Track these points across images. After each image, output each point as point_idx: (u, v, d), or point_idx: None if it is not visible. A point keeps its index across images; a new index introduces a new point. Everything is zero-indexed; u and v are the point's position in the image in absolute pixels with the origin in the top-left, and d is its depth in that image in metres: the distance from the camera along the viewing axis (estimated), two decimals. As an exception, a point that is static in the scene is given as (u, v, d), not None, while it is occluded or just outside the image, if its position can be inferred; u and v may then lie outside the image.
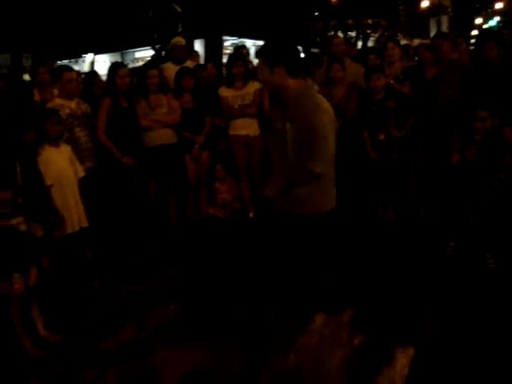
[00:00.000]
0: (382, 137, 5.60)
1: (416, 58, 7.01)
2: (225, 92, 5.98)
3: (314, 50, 18.83)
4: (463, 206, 4.66)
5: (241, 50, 6.97)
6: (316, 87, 3.18)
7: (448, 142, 4.89)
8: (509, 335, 3.43)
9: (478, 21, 35.05)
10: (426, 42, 7.51)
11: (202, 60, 8.40)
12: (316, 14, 23.13)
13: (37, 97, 5.26)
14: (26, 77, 7.31)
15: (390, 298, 4.04)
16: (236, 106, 5.91)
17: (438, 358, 3.27)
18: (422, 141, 5.68)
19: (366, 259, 4.69)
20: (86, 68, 19.07)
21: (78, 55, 19.84)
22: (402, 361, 3.26)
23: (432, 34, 24.40)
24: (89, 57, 20.51)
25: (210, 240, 5.60)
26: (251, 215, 6.05)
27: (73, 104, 5.01)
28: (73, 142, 4.78)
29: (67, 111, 4.91)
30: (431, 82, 5.51)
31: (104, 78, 6.08)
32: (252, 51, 17.23)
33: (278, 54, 3.13)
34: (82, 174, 4.58)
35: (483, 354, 3.28)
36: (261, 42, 21.06)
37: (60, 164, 4.40)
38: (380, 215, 5.73)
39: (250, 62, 6.92)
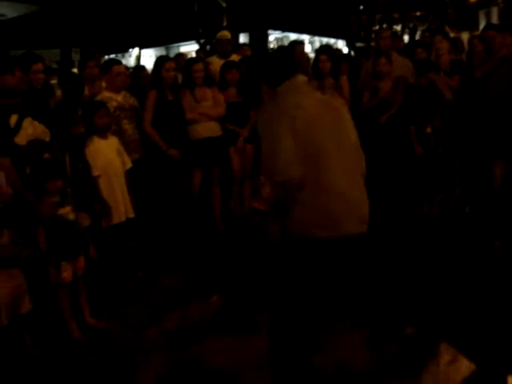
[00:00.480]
0: (429, 130, 5.50)
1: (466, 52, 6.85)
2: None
3: (359, 44, 18.56)
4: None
5: (298, 45, 6.90)
6: (303, 81, 2.83)
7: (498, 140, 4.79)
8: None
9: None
10: (477, 33, 7.32)
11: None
12: (361, 7, 22.82)
13: (86, 90, 5.37)
14: (75, 70, 7.47)
15: (435, 295, 3.97)
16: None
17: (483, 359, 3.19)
18: (469, 137, 5.55)
19: (412, 255, 4.63)
20: (132, 62, 19.34)
21: (124, 50, 20.13)
22: (446, 358, 3.21)
23: (481, 26, 23.73)
24: (135, 51, 20.79)
25: (253, 233, 5.61)
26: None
27: (120, 97, 5.10)
28: (120, 134, 4.86)
29: (115, 104, 5.00)
30: (482, 79, 5.38)
31: (150, 71, 6.16)
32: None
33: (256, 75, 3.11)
34: (129, 165, 4.66)
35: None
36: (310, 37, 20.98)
37: (108, 155, 4.48)
38: (425, 211, 5.64)
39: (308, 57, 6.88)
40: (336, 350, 3.34)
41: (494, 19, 28.27)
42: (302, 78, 2.85)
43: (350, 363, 3.24)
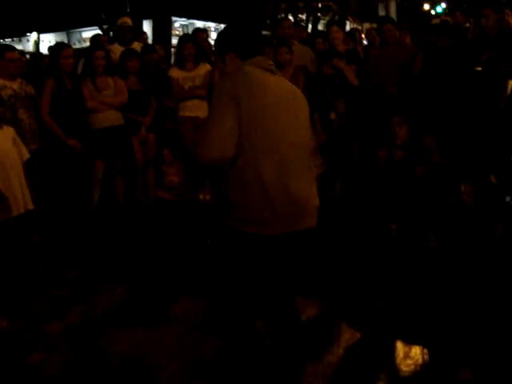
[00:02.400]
0: (333, 116, 5.70)
1: (365, 42, 7.18)
2: (175, 73, 5.96)
3: (265, 32, 18.80)
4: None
5: (201, 33, 6.88)
6: (268, 63, 2.62)
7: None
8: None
9: (426, 7, 35.72)
10: (374, 26, 7.67)
11: (150, 41, 8.27)
12: (267, -5, 23.07)
13: None
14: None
15: (337, 273, 4.16)
16: (186, 88, 5.91)
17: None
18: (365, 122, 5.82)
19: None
20: (30, 47, 18.46)
21: (21, 34, 19.15)
22: (348, 336, 3.39)
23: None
24: (33, 36, 19.84)
25: (157, 221, 5.60)
26: (201, 197, 6.09)
27: (15, 85, 4.89)
28: (16, 124, 4.68)
29: (9, 92, 4.80)
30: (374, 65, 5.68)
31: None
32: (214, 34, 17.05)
33: (226, 40, 2.71)
34: (26, 156, 4.49)
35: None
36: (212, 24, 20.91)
37: (3, 146, 4.29)
38: (328, 195, 5.85)
39: (210, 45, 6.86)
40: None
41: (392, 12, 29.59)
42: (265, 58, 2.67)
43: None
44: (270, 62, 2.67)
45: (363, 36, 7.85)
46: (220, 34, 2.78)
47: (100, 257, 4.83)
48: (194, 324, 3.59)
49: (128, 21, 6.57)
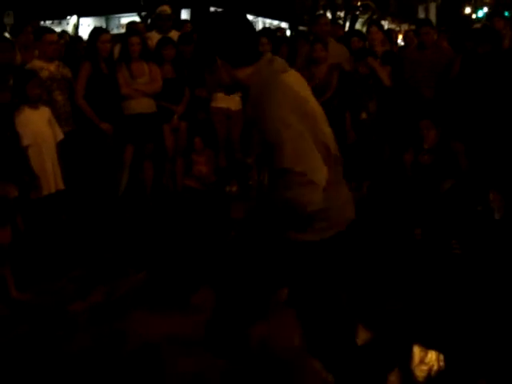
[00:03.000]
0: (364, 115, 5.67)
1: (402, 43, 7.12)
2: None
3: (302, 28, 18.72)
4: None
5: None
6: (280, 63, 2.25)
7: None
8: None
9: (467, 10, 35.13)
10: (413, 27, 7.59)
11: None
12: (306, -9, 22.98)
13: (18, 56, 5.20)
14: (7, 35, 7.20)
15: (359, 277, 4.15)
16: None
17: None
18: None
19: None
20: (69, 30, 18.71)
21: (62, 16, 19.42)
22: (364, 337, 3.38)
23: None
24: (73, 19, 20.11)
25: (183, 210, 5.65)
26: (227, 188, 6.12)
27: (52, 67, 4.99)
28: (51, 105, 4.77)
29: (46, 74, 4.90)
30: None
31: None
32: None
33: (212, 48, 2.22)
34: (60, 136, 4.59)
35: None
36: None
37: (38, 126, 4.40)
38: (355, 197, 5.82)
39: None
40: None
41: (432, 14, 29.19)
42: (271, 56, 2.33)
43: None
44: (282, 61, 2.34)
45: (400, 37, 7.77)
46: (204, 42, 2.28)
47: (124, 241, 4.90)
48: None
49: (167, 9, 6.62)
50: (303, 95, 2.25)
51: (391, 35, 7.20)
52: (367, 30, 6.48)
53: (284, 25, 22.46)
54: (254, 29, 2.37)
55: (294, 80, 2.28)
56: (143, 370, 3.08)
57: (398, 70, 5.71)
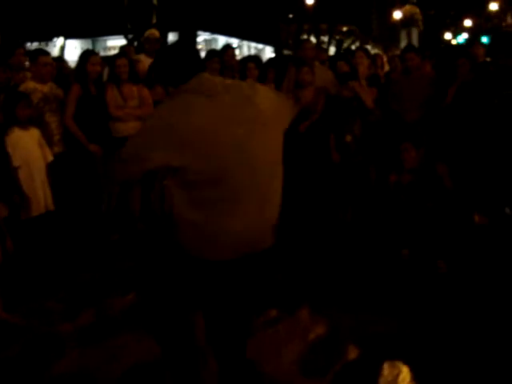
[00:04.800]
0: (349, 138, 5.76)
1: (387, 68, 7.28)
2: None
3: (287, 52, 18.99)
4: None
5: (230, 50, 6.97)
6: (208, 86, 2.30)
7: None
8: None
9: (448, 36, 35.90)
10: (397, 53, 7.76)
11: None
12: (290, 16, 23.33)
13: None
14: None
15: (349, 297, 4.19)
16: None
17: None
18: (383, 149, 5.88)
19: (326, 259, 4.85)
20: (56, 52, 18.77)
21: (48, 38, 19.49)
22: (353, 356, 3.41)
23: (402, 44, 24.92)
24: (59, 41, 20.18)
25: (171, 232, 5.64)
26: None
27: (46, 88, 5.03)
28: (43, 127, 4.80)
29: (39, 95, 4.93)
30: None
31: (73, 64, 6.08)
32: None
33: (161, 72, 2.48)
34: (50, 158, 4.61)
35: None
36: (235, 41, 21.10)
37: (28, 147, 4.43)
38: (340, 218, 5.89)
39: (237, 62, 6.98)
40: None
41: (414, 39, 29.78)
42: (207, 76, 2.37)
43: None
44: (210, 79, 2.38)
45: (385, 61, 7.93)
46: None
47: (112, 262, 4.90)
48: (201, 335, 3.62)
49: (156, 33, 6.71)
50: (214, 126, 2.21)
51: (376, 60, 7.36)
52: (353, 55, 6.61)
53: (269, 49, 22.75)
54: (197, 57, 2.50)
55: (218, 106, 2.24)
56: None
57: (382, 94, 5.84)
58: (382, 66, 7.50)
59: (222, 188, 2.23)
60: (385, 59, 7.64)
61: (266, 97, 2.40)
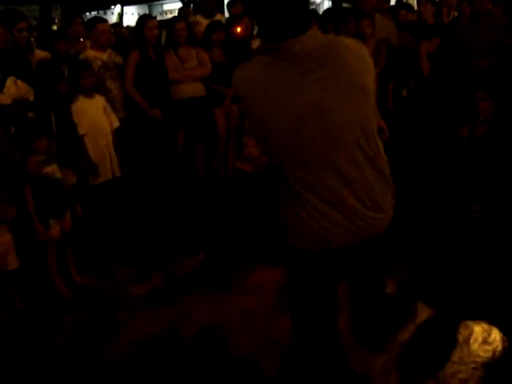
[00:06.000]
0: (405, 93, 5.54)
1: (455, 14, 6.89)
2: (257, 45, 5.92)
3: (345, 5, 18.36)
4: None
5: None
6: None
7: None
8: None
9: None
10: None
11: (226, 13, 8.22)
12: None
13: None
14: (55, 28, 7.37)
15: (415, 255, 4.09)
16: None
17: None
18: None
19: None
20: (114, 20, 18.97)
21: (106, 6, 19.69)
22: (424, 316, 3.34)
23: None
24: (117, 8, 20.36)
25: (236, 193, 5.68)
26: None
27: (105, 56, 5.07)
28: (104, 94, 4.84)
29: (99, 63, 4.98)
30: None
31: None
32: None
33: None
34: (116, 124, 4.69)
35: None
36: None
37: (94, 114, 4.50)
38: (407, 175, 5.72)
39: None
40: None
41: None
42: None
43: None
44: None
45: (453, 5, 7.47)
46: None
47: (180, 223, 4.98)
48: (269, 295, 3.65)
49: (211, -8, 6.61)
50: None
51: (441, 6, 6.97)
52: (417, 3, 6.29)
53: (327, 2, 22.07)
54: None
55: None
56: (207, 351, 3.14)
57: (448, 43, 5.53)
58: (449, 13, 7.09)
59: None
60: (454, 1, 7.16)
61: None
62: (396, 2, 8.05)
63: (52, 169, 3.81)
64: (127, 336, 3.35)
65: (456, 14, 6.94)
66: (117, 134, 4.70)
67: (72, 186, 4.08)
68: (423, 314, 3.36)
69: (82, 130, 4.39)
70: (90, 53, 5.03)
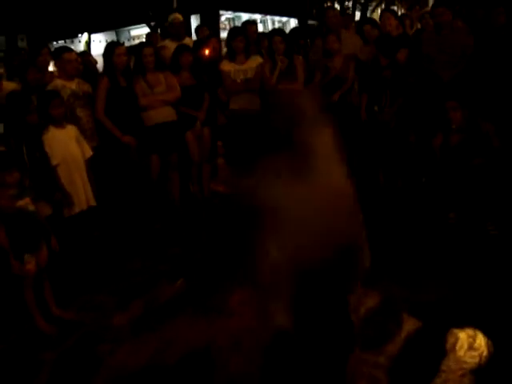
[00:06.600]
0: (376, 109, 5.63)
1: (419, 26, 7.03)
2: (227, 66, 5.93)
3: (311, 22, 18.65)
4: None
5: (250, 26, 6.85)
6: None
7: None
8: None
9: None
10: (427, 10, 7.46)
11: (194, 36, 8.28)
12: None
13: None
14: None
15: (395, 263, 4.11)
16: (239, 81, 5.87)
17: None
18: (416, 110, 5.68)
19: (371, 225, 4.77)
20: (81, 48, 18.93)
21: (73, 35, 19.66)
22: (410, 326, 3.34)
23: (430, 3, 24.17)
24: (84, 36, 20.33)
25: (213, 216, 5.66)
26: None
27: (73, 85, 5.04)
28: (74, 122, 4.81)
29: (68, 92, 4.95)
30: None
31: (100, 58, 6.08)
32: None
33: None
34: (89, 153, 4.66)
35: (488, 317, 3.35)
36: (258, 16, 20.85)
37: (66, 144, 4.46)
38: (381, 184, 5.78)
39: (259, 37, 6.86)
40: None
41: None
42: None
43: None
44: None
45: (414, 19, 7.66)
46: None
47: (158, 250, 4.93)
48: (252, 316, 3.62)
49: (179, 17, 6.64)
50: None
51: (403, 20, 7.11)
52: (380, 17, 6.41)
53: (293, 21, 22.38)
54: None
55: None
56: (194, 374, 3.09)
57: (415, 54, 5.63)
58: (412, 26, 7.25)
59: None
60: (416, 14, 7.35)
61: None
62: (360, 17, 8.20)
63: (25, 202, 3.75)
64: (111, 368, 3.28)
65: (419, 26, 7.10)
66: (90, 162, 4.65)
67: (47, 217, 4.02)
68: (409, 324, 3.37)
69: (54, 161, 4.34)
70: (58, 82, 4.99)
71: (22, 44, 14.13)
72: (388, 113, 5.57)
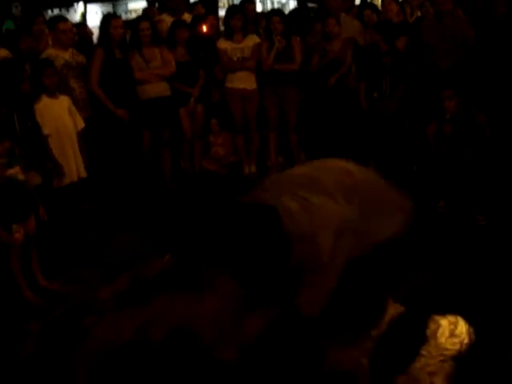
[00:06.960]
0: (375, 95, 5.61)
1: (419, 14, 6.98)
2: (223, 44, 5.90)
3: (311, 5, 18.46)
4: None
5: (249, 4, 6.76)
6: None
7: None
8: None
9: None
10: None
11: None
12: (312, -34, 22.60)
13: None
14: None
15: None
16: (235, 59, 5.84)
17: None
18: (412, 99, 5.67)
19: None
20: (77, 18, 18.62)
21: (69, 4, 19.29)
22: (393, 312, 3.36)
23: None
24: (80, 7, 19.98)
25: (203, 193, 5.65)
26: (246, 170, 6.13)
27: (67, 55, 4.99)
28: (67, 93, 4.77)
29: (61, 62, 4.90)
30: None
31: (96, 29, 6.01)
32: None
33: None
34: (82, 125, 4.63)
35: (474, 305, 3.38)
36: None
37: (58, 115, 4.42)
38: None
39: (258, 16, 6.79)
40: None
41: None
42: None
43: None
44: None
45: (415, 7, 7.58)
46: None
47: (146, 224, 4.93)
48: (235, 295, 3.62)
49: (180, -9, 6.55)
50: None
51: (404, 6, 7.05)
52: (382, 2, 6.37)
53: (292, 2, 22.11)
54: None
55: None
56: (179, 352, 3.10)
57: (414, 42, 5.61)
58: (412, 14, 7.20)
59: None
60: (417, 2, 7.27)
61: None
62: (361, 2, 8.12)
63: (15, 171, 3.73)
64: (96, 340, 3.28)
65: (419, 13, 7.05)
66: (82, 134, 4.61)
67: (37, 187, 3.99)
68: (392, 309, 3.39)
69: (45, 131, 4.31)
70: (52, 51, 4.93)
71: (16, 11, 13.84)
72: (390, 100, 5.56)
